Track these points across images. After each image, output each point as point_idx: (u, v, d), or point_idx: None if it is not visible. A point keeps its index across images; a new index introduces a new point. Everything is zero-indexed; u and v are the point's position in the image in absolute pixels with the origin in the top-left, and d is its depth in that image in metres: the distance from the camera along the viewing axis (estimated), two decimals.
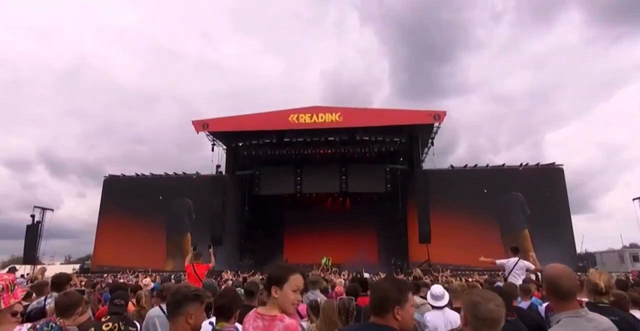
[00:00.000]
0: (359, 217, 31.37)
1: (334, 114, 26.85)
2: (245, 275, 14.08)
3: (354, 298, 3.76)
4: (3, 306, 2.12)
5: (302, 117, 26.85)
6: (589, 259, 30.75)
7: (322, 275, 11.36)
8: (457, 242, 24.99)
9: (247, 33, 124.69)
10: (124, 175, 29.90)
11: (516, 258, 7.56)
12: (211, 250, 9.69)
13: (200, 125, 27.66)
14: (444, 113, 26.45)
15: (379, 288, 1.95)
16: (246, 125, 27.39)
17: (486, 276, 14.14)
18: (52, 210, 27.08)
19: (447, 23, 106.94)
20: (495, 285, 6.32)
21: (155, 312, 4.22)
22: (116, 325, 2.93)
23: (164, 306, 4.17)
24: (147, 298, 4.83)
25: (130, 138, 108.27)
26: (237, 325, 2.68)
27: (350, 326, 2.66)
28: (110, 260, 27.00)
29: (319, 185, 29.83)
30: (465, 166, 27.97)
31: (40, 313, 4.21)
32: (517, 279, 7.24)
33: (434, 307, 4.24)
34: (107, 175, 29.91)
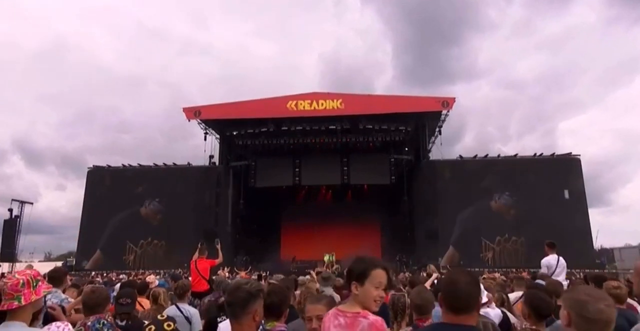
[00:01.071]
0: (361, 210, 30.65)
1: (335, 101, 26.07)
2: (260, 273, 13.36)
3: (405, 293, 3.45)
4: (23, 303, 2.07)
5: (301, 104, 26.11)
6: (607, 255, 29.68)
7: (328, 271, 10.37)
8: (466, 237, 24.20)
9: (239, 13, 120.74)
10: (109, 166, 28.65)
11: (555, 255, 7.19)
12: (219, 246, 9.05)
13: (192, 113, 26.78)
14: (453, 100, 25.53)
15: (462, 282, 1.75)
16: (241, 113, 26.63)
17: (497, 274, 13.40)
18: (32, 203, 25.54)
19: (455, 1, 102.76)
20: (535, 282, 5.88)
21: (172, 311, 4.13)
22: (173, 325, 2.65)
23: (181, 305, 4.34)
24: (165, 295, 4.66)
25: (114, 126, 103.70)
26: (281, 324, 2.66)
27: (428, 326, 2.26)
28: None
29: (319, 177, 29.00)
30: (475, 156, 26.83)
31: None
32: (560, 277, 6.83)
33: None
34: (92, 166, 28.71)
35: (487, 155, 26.82)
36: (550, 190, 24.37)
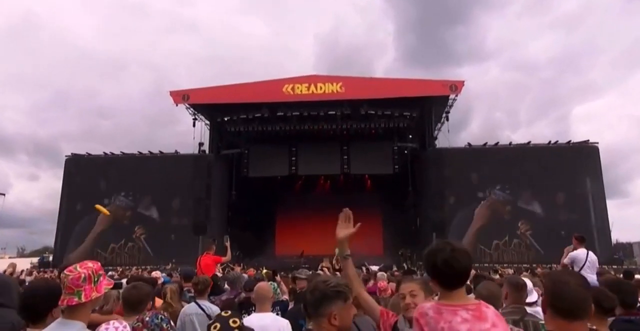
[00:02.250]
0: (362, 202, 29.20)
1: (334, 84, 25.14)
2: (272, 270, 12.37)
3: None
4: (84, 300, 1.97)
5: (298, 88, 25.18)
6: (624, 250, 28.73)
7: (337, 266, 10.06)
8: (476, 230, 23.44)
9: None
10: (89, 154, 27.28)
11: (584, 250, 6.81)
12: (228, 243, 8.63)
13: (180, 97, 25.73)
14: (462, 83, 24.46)
15: (573, 284, 1.69)
16: (233, 97, 25.65)
17: (511, 271, 13.43)
18: (4, 194, 23.90)
19: None
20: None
21: (192, 309, 4.13)
22: (239, 321, 2.44)
23: (202, 302, 4.26)
24: (174, 293, 4.47)
25: (91, 111, 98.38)
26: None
27: None
28: None
29: (317, 166, 28.24)
30: (485, 144, 25.67)
31: None
32: (589, 275, 6.39)
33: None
34: (70, 154, 27.24)
35: (497, 142, 25.78)
36: (565, 180, 23.33)
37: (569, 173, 23.40)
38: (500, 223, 23.54)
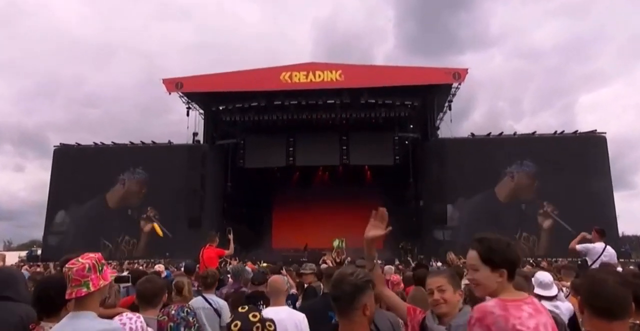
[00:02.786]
0: (361, 194, 29.43)
1: (334, 72, 24.61)
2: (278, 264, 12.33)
3: None
4: (92, 289, 1.99)
5: (296, 76, 24.56)
6: (631, 243, 28.43)
7: (338, 259, 10.05)
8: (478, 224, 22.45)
9: None
10: (79, 144, 26.58)
11: (603, 244, 6.58)
12: (231, 236, 8.66)
13: (173, 85, 25.28)
14: (465, 71, 23.96)
15: (612, 282, 1.62)
16: (228, 85, 25.21)
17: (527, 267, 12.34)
18: None
19: None
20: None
21: (199, 303, 4.08)
22: (259, 315, 2.46)
23: (209, 295, 4.25)
24: (190, 286, 4.17)
25: (80, 100, 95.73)
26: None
27: None
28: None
29: (315, 157, 27.79)
30: (489, 134, 25.18)
31: None
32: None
33: (542, 297, 3.67)
34: (59, 144, 26.55)
35: (501, 133, 25.29)
36: (572, 171, 22.75)
37: (575, 164, 22.84)
38: (506, 214, 23.00)
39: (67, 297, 1.98)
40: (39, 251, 25.17)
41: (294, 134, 27.61)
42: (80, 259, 2.05)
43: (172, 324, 2.87)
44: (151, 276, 3.61)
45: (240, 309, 2.50)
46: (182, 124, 25.83)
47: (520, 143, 24.35)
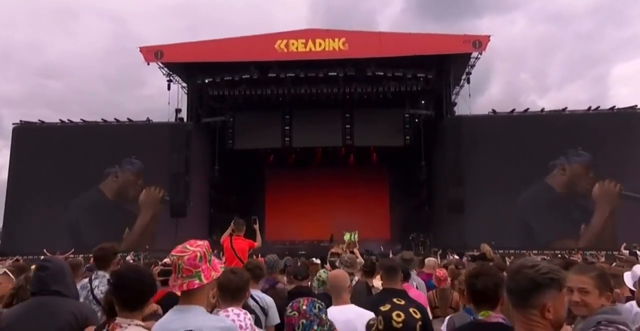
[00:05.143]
0: (366, 179, 29.45)
1: (336, 40, 23.29)
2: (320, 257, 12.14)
3: None
4: (205, 281, 1.97)
5: (293, 44, 23.35)
6: None
7: (351, 253, 9.23)
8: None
9: None
10: (42, 122, 24.72)
11: None
12: (256, 226, 7.88)
13: (151, 54, 24.07)
14: (487, 38, 22.66)
15: None
16: (216, 55, 24.11)
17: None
18: None
19: None
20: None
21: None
22: (403, 315, 2.65)
23: (255, 292, 3.95)
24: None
25: (37, 70, 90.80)
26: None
27: None
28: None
29: (315, 137, 27.03)
30: (513, 111, 23.60)
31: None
32: None
33: None
34: (18, 121, 24.75)
35: (527, 109, 23.77)
36: (608, 153, 21.60)
37: (611, 144, 21.57)
38: (535, 201, 22.01)
39: (178, 289, 1.94)
40: None
41: (291, 111, 26.98)
42: (188, 246, 2.00)
43: (304, 321, 2.61)
44: (236, 268, 3.48)
45: (382, 308, 2.73)
46: (163, 99, 24.52)
47: (549, 121, 22.86)
